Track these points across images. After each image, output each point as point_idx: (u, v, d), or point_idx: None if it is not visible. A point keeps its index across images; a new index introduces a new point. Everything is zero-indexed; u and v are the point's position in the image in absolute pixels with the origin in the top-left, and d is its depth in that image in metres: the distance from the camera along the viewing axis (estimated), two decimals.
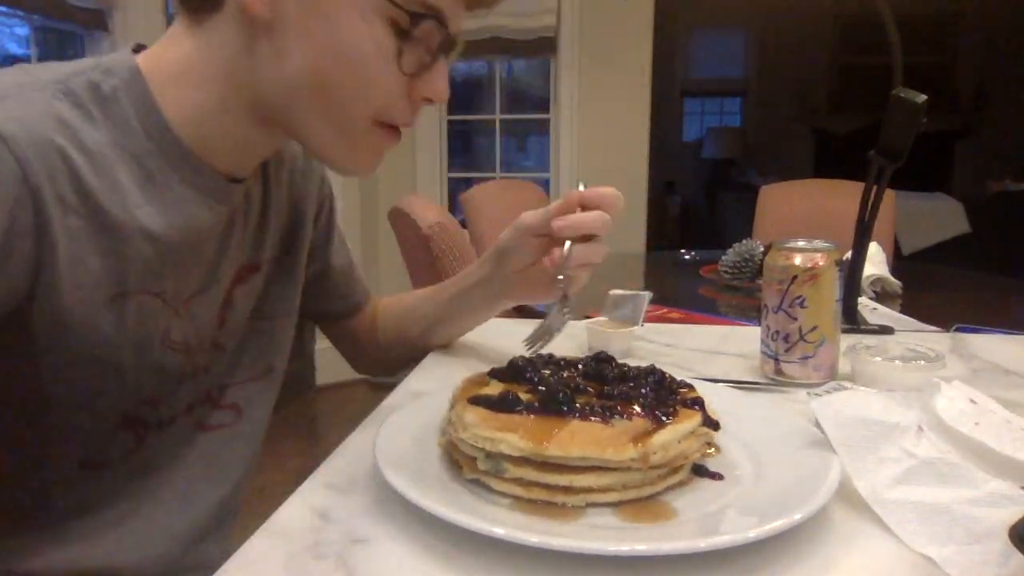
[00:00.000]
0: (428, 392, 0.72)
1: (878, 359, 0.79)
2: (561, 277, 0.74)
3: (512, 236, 0.80)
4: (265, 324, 0.77)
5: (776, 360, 0.84)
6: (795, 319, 0.82)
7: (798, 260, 0.81)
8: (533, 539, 0.45)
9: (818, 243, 0.83)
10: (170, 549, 0.71)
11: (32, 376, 0.58)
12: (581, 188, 0.76)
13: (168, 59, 0.62)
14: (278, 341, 0.80)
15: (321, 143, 0.64)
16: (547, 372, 0.63)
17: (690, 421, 0.55)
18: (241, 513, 0.80)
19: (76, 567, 0.65)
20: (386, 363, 1.00)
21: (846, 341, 0.85)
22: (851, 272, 1.16)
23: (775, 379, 0.84)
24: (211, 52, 0.61)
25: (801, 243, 0.83)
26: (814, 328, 0.82)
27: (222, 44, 0.61)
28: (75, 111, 0.56)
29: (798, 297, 0.81)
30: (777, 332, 0.83)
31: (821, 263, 0.81)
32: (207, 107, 0.62)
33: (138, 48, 0.64)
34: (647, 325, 1.01)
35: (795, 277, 0.81)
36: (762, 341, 0.86)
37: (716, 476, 0.57)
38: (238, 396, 0.76)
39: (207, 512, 0.74)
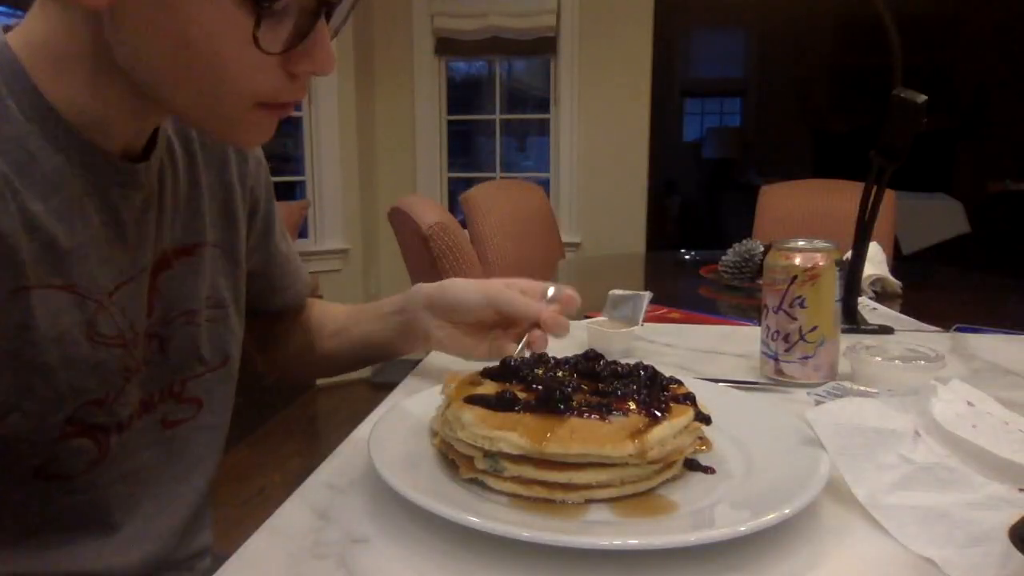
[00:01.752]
0: (424, 392, 0.72)
1: (878, 359, 0.79)
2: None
3: (482, 301, 0.81)
4: (219, 312, 0.75)
5: (776, 360, 0.84)
6: (795, 319, 0.82)
7: (798, 260, 0.81)
8: (525, 534, 0.45)
9: (818, 243, 0.83)
10: (154, 550, 0.70)
11: None
12: (551, 292, 0.82)
13: (35, 37, 0.57)
14: (231, 328, 0.77)
15: (200, 126, 0.62)
16: (540, 371, 0.63)
17: (684, 416, 0.56)
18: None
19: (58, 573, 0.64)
20: (300, 370, 0.98)
21: (846, 341, 0.85)
22: (851, 272, 1.16)
23: (775, 379, 0.84)
24: (69, 33, 0.56)
25: (801, 243, 0.83)
26: (814, 328, 0.82)
27: (75, 26, 0.56)
28: None
29: (798, 297, 0.81)
30: (777, 332, 0.83)
31: (821, 263, 0.81)
32: (83, 86, 0.58)
33: (6, 29, 0.60)
34: (647, 325, 1.01)
35: (795, 277, 0.81)
36: (762, 341, 0.86)
37: (709, 470, 0.58)
38: (198, 389, 0.73)
39: (186, 508, 0.74)
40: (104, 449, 0.64)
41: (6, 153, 0.55)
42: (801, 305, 0.81)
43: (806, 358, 0.82)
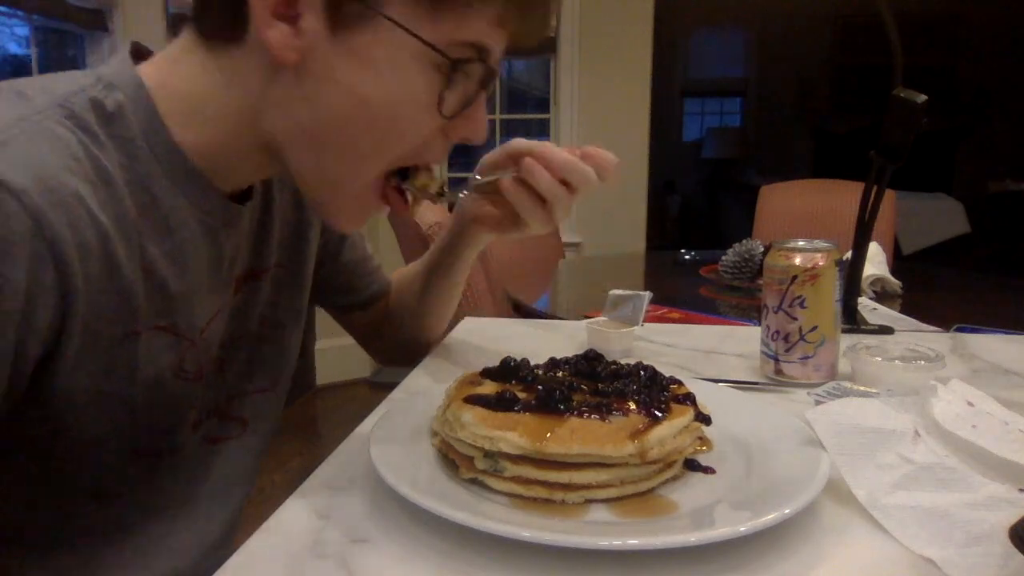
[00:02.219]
0: (424, 391, 0.72)
1: (878, 359, 0.79)
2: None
3: (501, 152, 0.78)
4: (276, 333, 0.75)
5: (776, 360, 0.84)
6: (795, 319, 0.82)
7: (798, 260, 0.81)
8: (525, 534, 0.45)
9: (818, 243, 0.83)
10: (179, 567, 0.70)
11: (42, 415, 0.54)
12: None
13: (177, 82, 0.58)
14: (287, 350, 0.77)
15: (319, 194, 0.62)
16: (540, 371, 0.63)
17: (684, 416, 0.56)
18: (241, 513, 0.80)
19: None
20: (398, 349, 0.98)
21: (846, 341, 0.85)
22: (851, 272, 1.15)
23: (775, 379, 0.84)
24: (226, 87, 0.57)
25: (801, 243, 0.83)
26: (814, 328, 0.82)
27: (242, 78, 0.57)
28: (81, 137, 0.52)
29: (798, 297, 0.81)
30: (777, 332, 0.83)
31: (821, 263, 0.81)
32: (217, 137, 0.59)
33: (136, 51, 0.60)
34: (647, 325, 1.01)
35: (795, 277, 0.81)
36: (762, 341, 0.86)
37: (708, 470, 0.58)
38: (244, 408, 0.73)
39: (216, 527, 0.73)
40: (155, 471, 0.64)
41: (134, 195, 0.55)
42: (801, 305, 0.81)
43: (806, 358, 0.82)
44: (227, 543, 0.77)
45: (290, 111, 0.57)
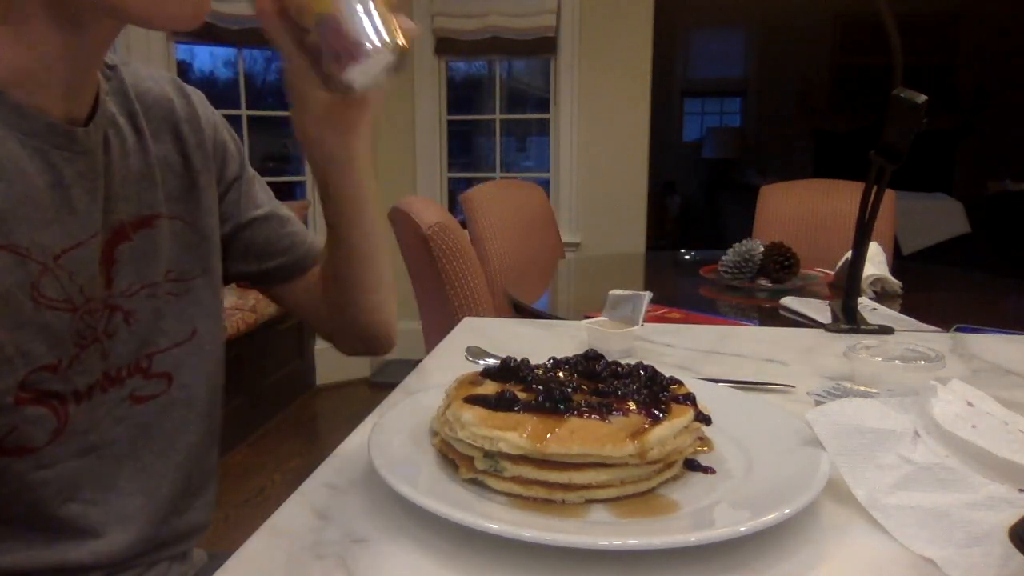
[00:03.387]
0: (424, 391, 0.72)
1: (878, 359, 0.79)
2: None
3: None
4: (180, 286, 0.75)
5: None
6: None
7: None
8: (526, 534, 0.45)
9: None
10: (136, 529, 0.70)
11: None
12: None
13: None
14: (199, 302, 0.76)
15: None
16: (540, 371, 0.63)
17: (684, 416, 0.56)
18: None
19: (42, 563, 0.64)
20: (349, 332, 0.89)
21: (846, 341, 0.85)
22: (851, 272, 1.16)
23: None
24: None
25: None
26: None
27: None
28: None
29: None
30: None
31: None
32: (12, 34, 0.57)
33: None
34: (647, 325, 1.01)
35: None
36: None
37: (708, 470, 0.58)
38: (166, 364, 0.73)
39: (167, 486, 0.74)
40: (63, 418, 0.64)
41: None
42: None
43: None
44: (187, 506, 0.77)
45: None
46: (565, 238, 3.30)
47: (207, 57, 3.83)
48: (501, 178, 3.89)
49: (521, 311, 1.64)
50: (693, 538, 0.46)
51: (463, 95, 4.13)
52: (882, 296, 1.54)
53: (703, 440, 0.61)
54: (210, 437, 0.79)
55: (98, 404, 0.67)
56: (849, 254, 1.17)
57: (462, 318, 1.15)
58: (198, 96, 0.80)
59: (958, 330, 1.13)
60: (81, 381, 0.65)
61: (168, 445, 0.74)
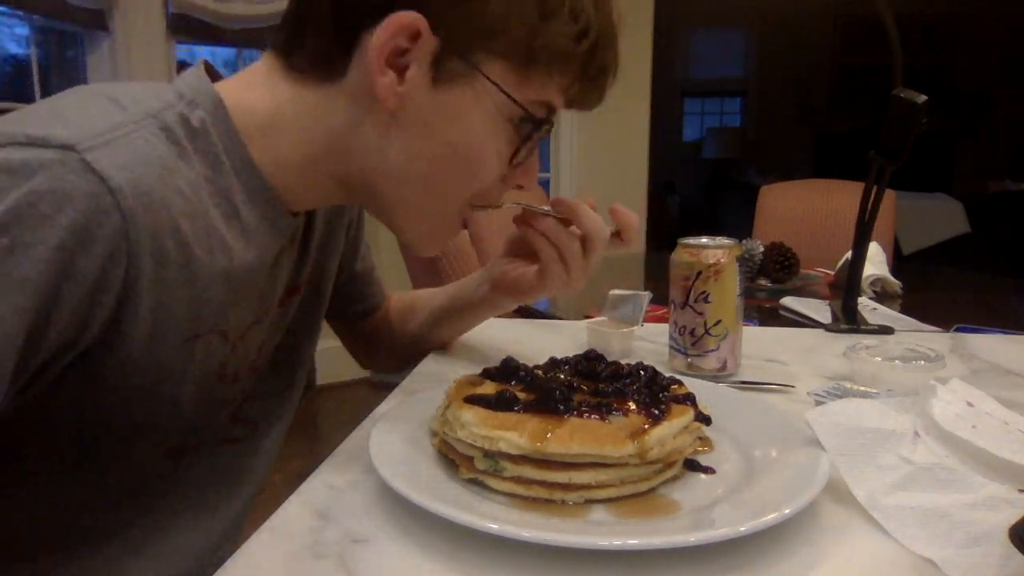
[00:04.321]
0: (424, 391, 0.72)
1: (878, 359, 0.79)
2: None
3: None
4: (290, 340, 0.76)
5: (685, 355, 0.87)
6: (700, 314, 0.85)
7: (702, 257, 0.85)
8: (526, 534, 0.45)
9: (720, 240, 0.87)
10: (187, 565, 0.70)
11: (91, 409, 0.56)
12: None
13: (259, 104, 0.61)
14: (302, 358, 0.80)
15: (404, 225, 0.66)
16: (540, 371, 0.63)
17: (684, 416, 0.56)
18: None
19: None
20: (392, 360, 1.01)
21: (846, 341, 0.85)
22: (851, 272, 1.16)
23: (685, 373, 0.86)
24: (314, 118, 0.60)
25: (704, 240, 0.87)
26: (718, 322, 0.85)
27: (329, 114, 0.60)
28: (172, 149, 0.55)
29: (703, 293, 0.85)
30: (684, 327, 0.87)
31: (723, 259, 0.85)
32: (294, 161, 0.61)
33: (210, 69, 0.62)
34: (647, 325, 1.01)
35: (699, 273, 0.85)
36: (670, 337, 0.90)
37: (708, 470, 0.58)
38: (255, 410, 0.74)
39: (221, 525, 0.74)
40: (178, 464, 0.65)
41: (219, 207, 0.58)
42: (706, 300, 0.85)
43: (710, 351, 0.86)
44: (229, 544, 0.77)
45: (381, 151, 0.61)
46: None
47: (207, 57, 3.83)
48: None
49: (521, 311, 1.64)
50: (693, 538, 0.45)
51: None
52: (882, 296, 1.54)
53: (703, 440, 0.61)
54: (261, 486, 0.82)
55: (202, 450, 0.68)
56: (849, 254, 1.17)
57: None
58: None
59: (958, 330, 1.13)
60: (208, 436, 0.67)
61: (237, 488, 0.76)
